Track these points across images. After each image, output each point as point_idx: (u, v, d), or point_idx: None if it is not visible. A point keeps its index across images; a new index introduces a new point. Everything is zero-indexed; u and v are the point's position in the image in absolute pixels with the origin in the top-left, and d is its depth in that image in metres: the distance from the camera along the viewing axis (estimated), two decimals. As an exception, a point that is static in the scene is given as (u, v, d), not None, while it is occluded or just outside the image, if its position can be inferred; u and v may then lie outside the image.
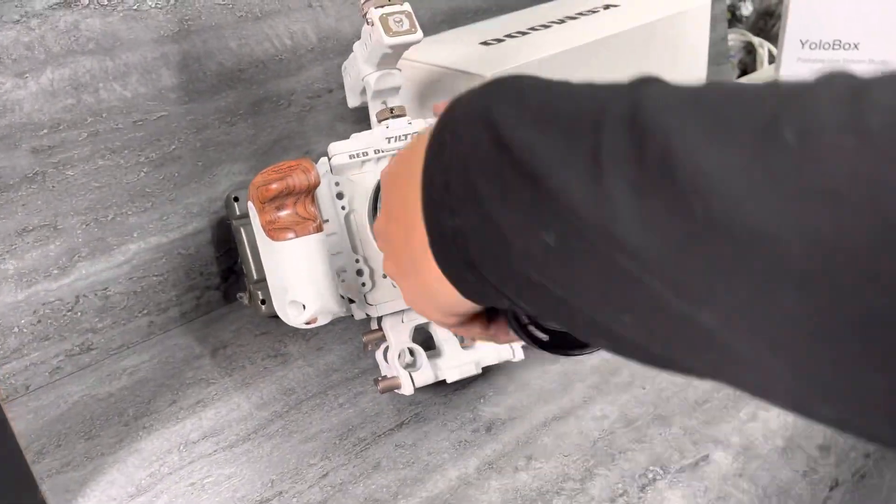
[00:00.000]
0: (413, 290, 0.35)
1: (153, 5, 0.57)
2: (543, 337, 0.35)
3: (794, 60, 0.89)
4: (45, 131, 0.55)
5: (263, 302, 0.60)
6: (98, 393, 0.57)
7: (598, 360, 0.55)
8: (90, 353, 0.60)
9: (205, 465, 0.49)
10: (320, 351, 0.59)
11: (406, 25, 0.45)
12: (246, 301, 0.62)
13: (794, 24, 0.88)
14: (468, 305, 0.33)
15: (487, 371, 0.54)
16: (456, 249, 0.29)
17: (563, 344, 0.35)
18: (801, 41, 0.87)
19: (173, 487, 0.47)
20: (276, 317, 0.61)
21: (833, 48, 0.87)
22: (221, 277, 0.66)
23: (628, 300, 0.23)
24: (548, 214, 0.24)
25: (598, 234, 0.22)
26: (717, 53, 1.05)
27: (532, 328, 0.35)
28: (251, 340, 0.61)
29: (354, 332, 0.61)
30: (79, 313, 0.59)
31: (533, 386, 0.53)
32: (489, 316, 0.37)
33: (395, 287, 0.50)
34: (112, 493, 0.47)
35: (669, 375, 0.53)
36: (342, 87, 0.65)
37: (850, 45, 0.86)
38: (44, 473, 0.49)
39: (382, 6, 0.45)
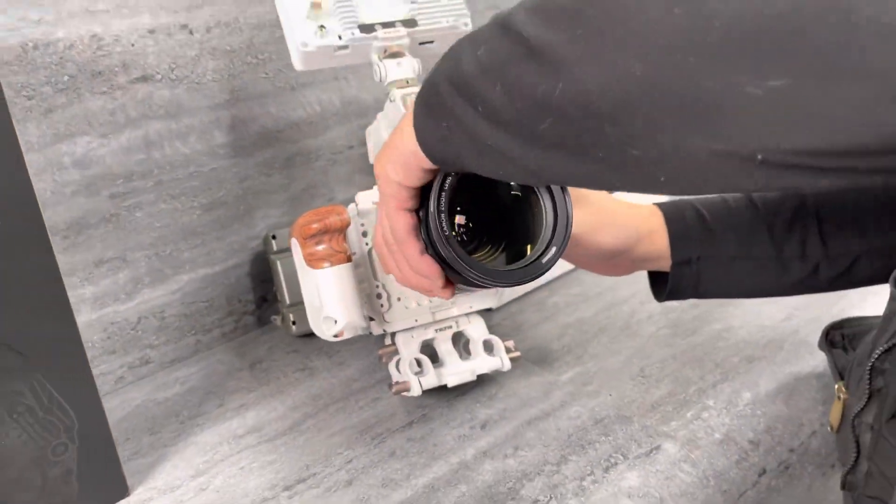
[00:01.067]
0: (386, 147, 0.44)
1: (211, 79, 0.70)
2: (463, 261, 0.45)
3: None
4: (121, 181, 0.67)
5: (294, 323, 0.72)
6: (156, 398, 0.68)
7: (573, 373, 0.66)
8: (148, 366, 0.71)
9: (250, 453, 0.60)
10: (342, 365, 0.70)
11: (421, 103, 0.58)
12: (279, 323, 0.74)
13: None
14: (418, 160, 0.41)
15: (481, 380, 0.65)
16: (434, 103, 0.37)
17: (451, 251, 0.45)
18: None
19: (226, 470, 0.58)
20: (305, 336, 0.73)
21: None
22: (256, 304, 0.78)
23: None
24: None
25: None
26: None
27: (443, 216, 0.45)
28: (283, 357, 0.72)
29: (370, 350, 0.72)
30: (140, 332, 0.70)
31: (519, 393, 0.64)
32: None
33: (406, 308, 0.61)
34: (176, 475, 0.58)
35: (628, 384, 0.64)
36: (362, 144, 0.77)
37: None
38: (117, 460, 0.59)
39: (404, 88, 0.58)
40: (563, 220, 0.48)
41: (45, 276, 0.48)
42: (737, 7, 0.24)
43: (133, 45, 0.64)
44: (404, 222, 0.46)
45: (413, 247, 0.47)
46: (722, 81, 0.25)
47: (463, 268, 0.46)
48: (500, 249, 0.54)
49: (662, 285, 0.62)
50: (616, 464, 0.56)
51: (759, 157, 0.26)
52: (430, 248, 0.47)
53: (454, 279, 0.48)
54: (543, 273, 0.49)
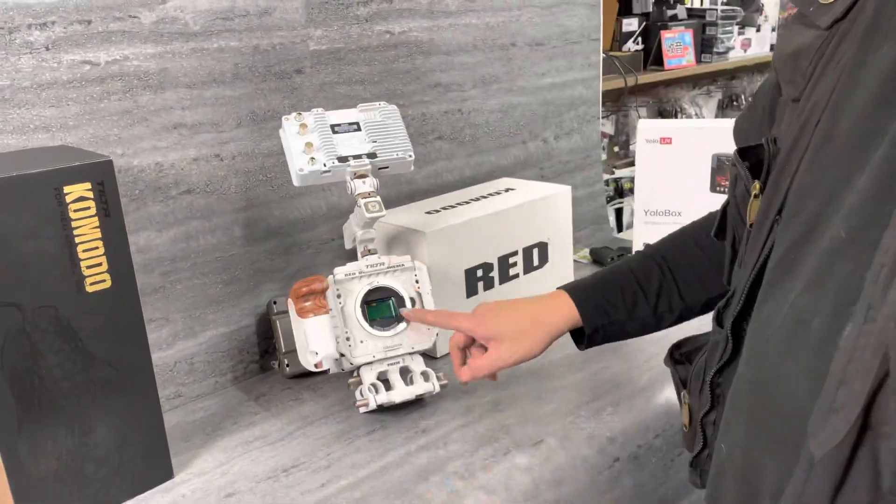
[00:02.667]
0: None
1: (234, 191, 0.98)
2: None
3: (643, 223, 1.32)
4: (168, 262, 0.94)
5: (288, 365, 0.98)
6: (187, 420, 0.92)
7: (490, 397, 0.92)
8: (180, 398, 0.96)
9: (258, 452, 0.84)
10: (324, 396, 0.96)
11: (377, 208, 0.86)
12: (276, 367, 1.00)
13: (640, 198, 1.32)
14: None
15: (423, 402, 0.91)
16: None
17: None
18: (644, 211, 1.31)
19: (241, 462, 0.83)
20: (295, 377, 0.98)
21: (665, 215, 1.31)
22: (260, 355, 1.04)
23: None
24: None
25: None
26: (598, 217, 1.49)
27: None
28: (280, 392, 0.98)
29: (343, 387, 0.98)
30: (175, 373, 0.96)
31: (451, 410, 0.90)
32: None
33: (367, 349, 0.87)
34: (205, 465, 0.82)
35: (528, 404, 0.90)
36: (341, 237, 1.06)
37: (675, 212, 1.30)
38: (162, 458, 0.84)
39: (366, 198, 0.87)
40: None
41: (134, 325, 0.74)
42: None
43: (182, 169, 0.93)
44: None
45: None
46: None
47: None
48: None
49: (582, 340, 0.82)
50: (511, 451, 0.81)
51: None
52: None
53: None
54: None
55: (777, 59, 0.59)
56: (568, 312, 0.81)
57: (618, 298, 0.80)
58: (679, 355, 0.75)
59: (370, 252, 0.91)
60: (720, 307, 0.62)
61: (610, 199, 2.04)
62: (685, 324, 0.81)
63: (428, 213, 1.07)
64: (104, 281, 0.71)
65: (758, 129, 0.66)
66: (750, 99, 0.70)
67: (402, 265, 0.92)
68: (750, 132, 0.67)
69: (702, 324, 0.78)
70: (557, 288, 0.83)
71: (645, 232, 1.31)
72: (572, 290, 0.82)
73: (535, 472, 0.79)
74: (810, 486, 0.42)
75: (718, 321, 0.62)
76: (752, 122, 0.68)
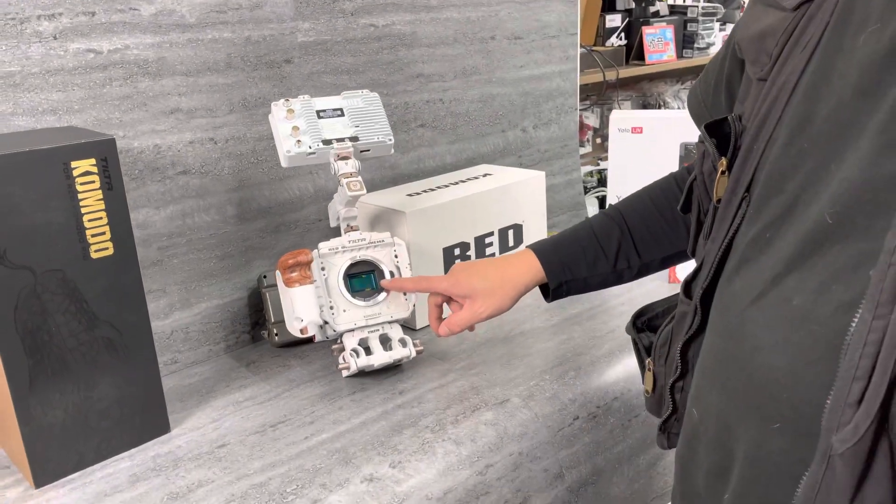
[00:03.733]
0: None
1: (227, 172, 1.06)
2: None
3: (615, 207, 1.39)
4: (165, 238, 1.01)
5: (277, 335, 1.05)
6: (182, 384, 1.00)
7: (464, 363, 1.00)
8: (176, 364, 1.03)
9: (248, 410, 0.92)
10: (309, 364, 1.03)
11: (358, 187, 0.94)
12: (266, 336, 1.07)
13: (613, 184, 1.40)
14: None
15: (402, 367, 0.99)
16: None
17: None
18: (616, 196, 1.39)
19: (231, 419, 0.90)
20: (283, 346, 1.06)
21: None
22: (251, 326, 1.11)
23: None
24: None
25: None
26: (576, 203, 1.56)
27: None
28: (269, 359, 1.05)
29: (328, 354, 1.05)
30: (172, 341, 1.03)
31: (427, 375, 0.98)
32: None
33: (349, 316, 0.95)
34: (198, 422, 0.90)
35: (498, 369, 0.97)
36: (328, 218, 1.13)
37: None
38: (159, 415, 0.91)
39: (348, 178, 0.94)
40: None
41: (134, 290, 0.82)
42: None
43: (179, 151, 1.00)
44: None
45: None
46: None
47: None
48: None
49: (548, 294, 0.89)
50: (479, 408, 0.89)
51: None
52: None
53: None
54: None
55: (741, 39, 0.61)
56: (535, 270, 0.87)
57: (580, 256, 0.86)
58: (641, 323, 0.78)
59: (352, 229, 0.99)
60: (688, 279, 0.64)
61: (594, 188, 2.11)
62: (644, 288, 0.89)
63: (409, 195, 1.15)
64: (107, 248, 0.79)
65: (711, 101, 0.71)
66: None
67: (383, 241, 0.99)
68: (703, 104, 0.73)
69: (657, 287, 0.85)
70: (525, 247, 0.90)
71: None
72: (538, 249, 0.88)
73: (500, 426, 0.86)
74: (832, 479, 0.44)
75: (686, 292, 0.64)
76: (705, 93, 0.72)
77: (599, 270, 0.87)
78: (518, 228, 1.23)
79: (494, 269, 0.89)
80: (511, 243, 1.22)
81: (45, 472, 0.78)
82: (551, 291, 0.88)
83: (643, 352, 0.75)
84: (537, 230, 1.26)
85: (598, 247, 0.86)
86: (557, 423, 0.90)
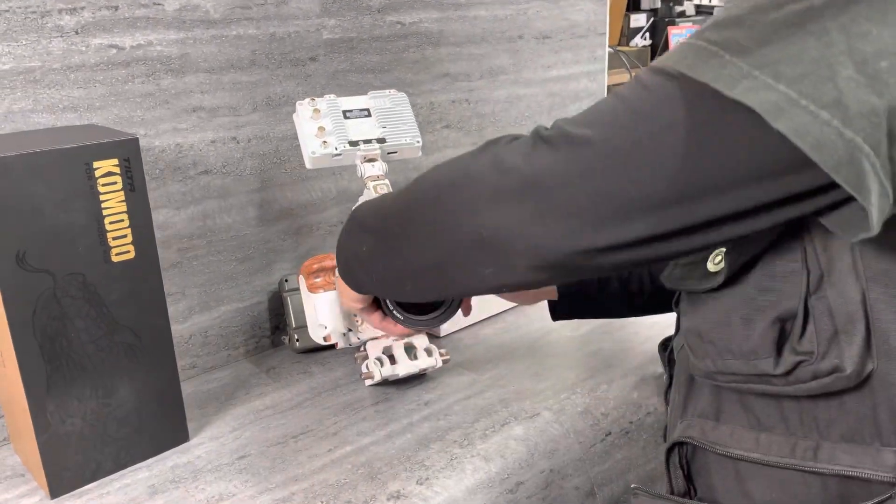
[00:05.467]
0: (343, 295, 0.78)
1: (249, 173, 1.03)
2: (400, 317, 0.78)
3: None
4: (185, 239, 0.99)
5: (298, 340, 1.02)
6: (201, 390, 0.97)
7: (490, 374, 0.97)
8: (194, 369, 1.01)
9: (268, 419, 0.89)
10: (331, 370, 1.00)
11: (385, 190, 0.91)
12: (286, 341, 1.04)
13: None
14: (356, 297, 0.75)
15: (426, 377, 0.95)
16: (351, 273, 0.72)
17: (414, 319, 0.78)
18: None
19: (252, 428, 0.87)
20: (304, 352, 1.03)
21: None
22: (271, 331, 1.08)
23: None
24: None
25: None
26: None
27: (395, 312, 0.78)
28: (290, 366, 1.02)
29: (350, 361, 1.02)
30: (190, 345, 1.00)
31: (452, 385, 0.94)
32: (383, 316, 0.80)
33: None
34: (218, 430, 0.87)
35: (526, 380, 0.94)
36: (350, 220, 1.09)
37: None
38: (178, 423, 0.88)
39: (375, 181, 0.91)
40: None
41: (156, 295, 0.79)
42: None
43: (201, 150, 0.98)
44: (377, 318, 0.81)
45: (382, 324, 0.81)
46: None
47: (414, 324, 0.79)
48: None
49: (555, 310, 0.93)
50: (508, 422, 0.86)
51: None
52: (395, 320, 0.80)
53: (408, 327, 0.81)
54: (455, 311, 0.81)
55: None
56: None
57: None
58: (669, 343, 0.81)
59: (378, 233, 0.96)
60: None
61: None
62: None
63: (434, 198, 1.11)
64: (128, 252, 0.76)
65: None
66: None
67: (409, 246, 0.96)
68: None
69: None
70: None
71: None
72: None
73: (530, 442, 0.83)
74: None
75: (676, 303, 0.68)
76: None
77: (609, 289, 0.89)
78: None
79: None
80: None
81: (61, 481, 0.76)
82: (558, 298, 0.90)
83: (666, 372, 0.78)
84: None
85: None
86: (590, 439, 0.87)
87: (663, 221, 0.45)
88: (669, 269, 0.62)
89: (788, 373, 0.51)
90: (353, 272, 0.70)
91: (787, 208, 0.45)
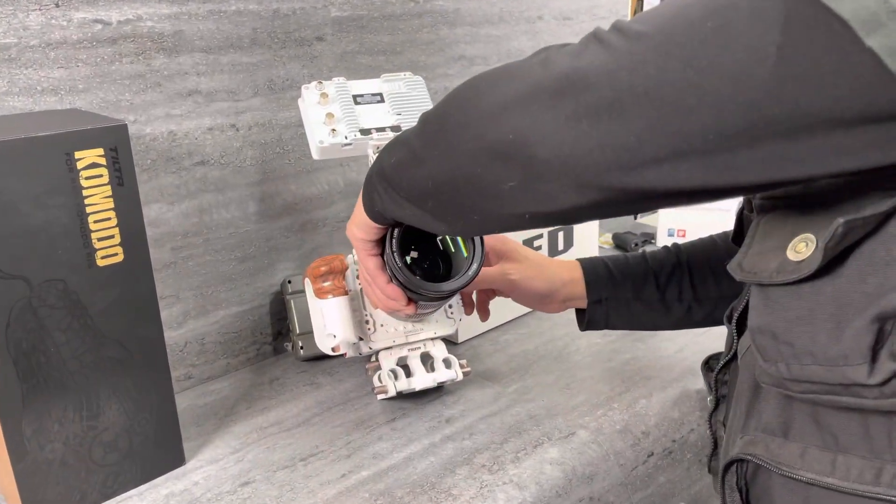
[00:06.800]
0: (351, 219, 0.66)
1: (249, 163, 0.93)
2: (400, 266, 0.66)
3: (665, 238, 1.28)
4: (179, 237, 0.89)
5: (302, 348, 0.93)
6: (197, 403, 0.88)
7: (516, 386, 0.88)
8: (190, 381, 0.91)
9: (273, 438, 0.80)
10: (341, 381, 0.91)
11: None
12: (290, 348, 0.95)
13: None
14: (371, 223, 0.62)
15: (446, 389, 0.87)
16: (371, 186, 0.59)
17: (403, 276, 0.66)
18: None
19: (256, 449, 0.78)
20: (309, 360, 0.94)
21: (670, 236, 1.28)
22: (273, 337, 0.99)
23: None
24: None
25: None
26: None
27: (395, 255, 0.66)
28: (294, 376, 0.93)
29: (362, 371, 0.93)
30: (186, 354, 0.91)
31: (475, 399, 0.86)
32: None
33: (387, 332, 0.83)
34: (217, 452, 0.78)
35: (556, 394, 0.86)
36: (360, 215, 1.00)
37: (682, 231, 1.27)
38: (172, 443, 0.79)
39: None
40: (479, 247, 0.70)
41: (147, 302, 0.70)
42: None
43: (196, 138, 0.88)
44: (373, 263, 0.68)
45: (381, 278, 0.69)
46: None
47: (416, 285, 0.68)
48: (442, 275, 0.75)
49: (583, 318, 0.85)
50: (542, 443, 0.77)
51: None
52: (393, 278, 0.69)
53: (414, 298, 0.70)
54: (470, 281, 0.70)
55: None
56: (576, 277, 0.83)
57: (626, 274, 0.82)
58: (714, 362, 0.76)
59: (394, 231, 0.86)
60: (734, 305, 0.61)
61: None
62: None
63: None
64: (116, 255, 0.67)
65: None
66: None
67: (427, 245, 0.87)
68: None
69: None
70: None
71: (670, 213, 1.27)
72: (583, 260, 0.85)
73: (567, 466, 0.75)
74: None
75: (729, 318, 0.62)
76: None
77: (645, 295, 0.81)
78: (569, 231, 1.11)
79: (540, 256, 0.87)
80: (561, 246, 1.10)
81: (40, 515, 0.67)
82: (587, 309, 0.82)
83: (709, 389, 0.71)
84: (588, 235, 1.14)
85: (647, 268, 0.82)
86: (631, 462, 0.78)
87: (723, 138, 0.37)
88: (738, 257, 0.53)
89: (884, 383, 0.43)
90: (374, 186, 0.59)
91: (869, 152, 0.36)
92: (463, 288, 0.70)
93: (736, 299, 0.81)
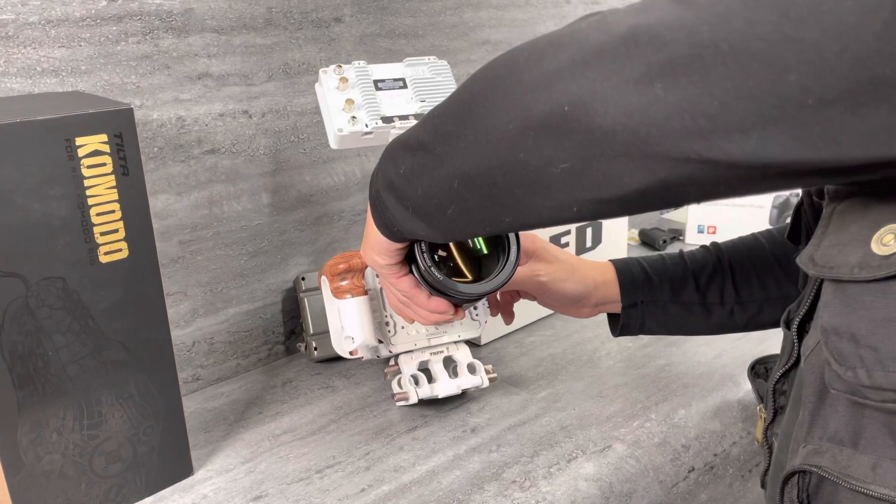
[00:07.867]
0: (365, 243, 0.60)
1: (262, 152, 0.88)
2: (438, 275, 0.60)
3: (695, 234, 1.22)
4: (188, 230, 0.84)
5: (316, 349, 0.88)
6: (206, 407, 0.83)
7: (545, 393, 0.83)
8: (198, 382, 0.86)
9: (287, 447, 0.75)
10: (358, 385, 0.86)
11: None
12: (303, 349, 0.90)
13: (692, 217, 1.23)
14: (390, 245, 0.56)
15: (470, 396, 0.81)
16: (381, 205, 0.52)
17: (447, 287, 0.61)
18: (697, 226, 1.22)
19: (268, 459, 0.73)
20: (324, 361, 0.89)
21: (699, 233, 1.22)
22: (286, 336, 0.94)
23: None
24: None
25: None
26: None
27: (432, 269, 0.60)
28: (308, 378, 0.88)
29: (380, 374, 0.88)
30: (193, 354, 0.86)
31: (502, 407, 0.80)
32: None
33: (408, 334, 0.78)
34: (228, 461, 0.73)
35: (588, 402, 0.81)
36: (378, 209, 0.95)
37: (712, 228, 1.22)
38: (179, 450, 0.74)
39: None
40: (514, 246, 0.65)
41: (154, 302, 0.64)
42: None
43: (207, 125, 0.82)
44: (406, 284, 0.63)
45: (421, 296, 0.63)
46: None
47: (461, 295, 0.63)
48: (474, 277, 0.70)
49: (617, 323, 0.79)
50: (576, 457, 0.72)
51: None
52: (433, 290, 0.63)
53: (457, 303, 0.65)
54: (509, 279, 0.65)
55: None
56: (610, 279, 0.77)
57: (663, 275, 0.76)
58: (761, 368, 0.74)
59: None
60: (790, 308, 0.57)
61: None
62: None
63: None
64: (120, 250, 0.61)
65: None
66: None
67: (452, 242, 0.81)
68: None
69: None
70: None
71: (699, 208, 1.21)
72: (617, 261, 0.79)
73: (603, 483, 0.69)
74: None
75: (787, 323, 0.57)
76: None
77: (684, 298, 0.76)
78: (597, 227, 1.05)
79: (571, 255, 0.80)
80: (589, 243, 1.05)
81: (37, 531, 0.62)
82: (622, 313, 0.76)
83: (758, 398, 0.68)
84: (617, 231, 1.09)
85: (686, 269, 0.76)
86: (671, 478, 0.73)
87: (823, 103, 0.31)
88: (810, 250, 0.47)
89: None
90: (383, 204, 0.53)
91: None
92: (500, 288, 0.65)
93: (783, 301, 0.76)
